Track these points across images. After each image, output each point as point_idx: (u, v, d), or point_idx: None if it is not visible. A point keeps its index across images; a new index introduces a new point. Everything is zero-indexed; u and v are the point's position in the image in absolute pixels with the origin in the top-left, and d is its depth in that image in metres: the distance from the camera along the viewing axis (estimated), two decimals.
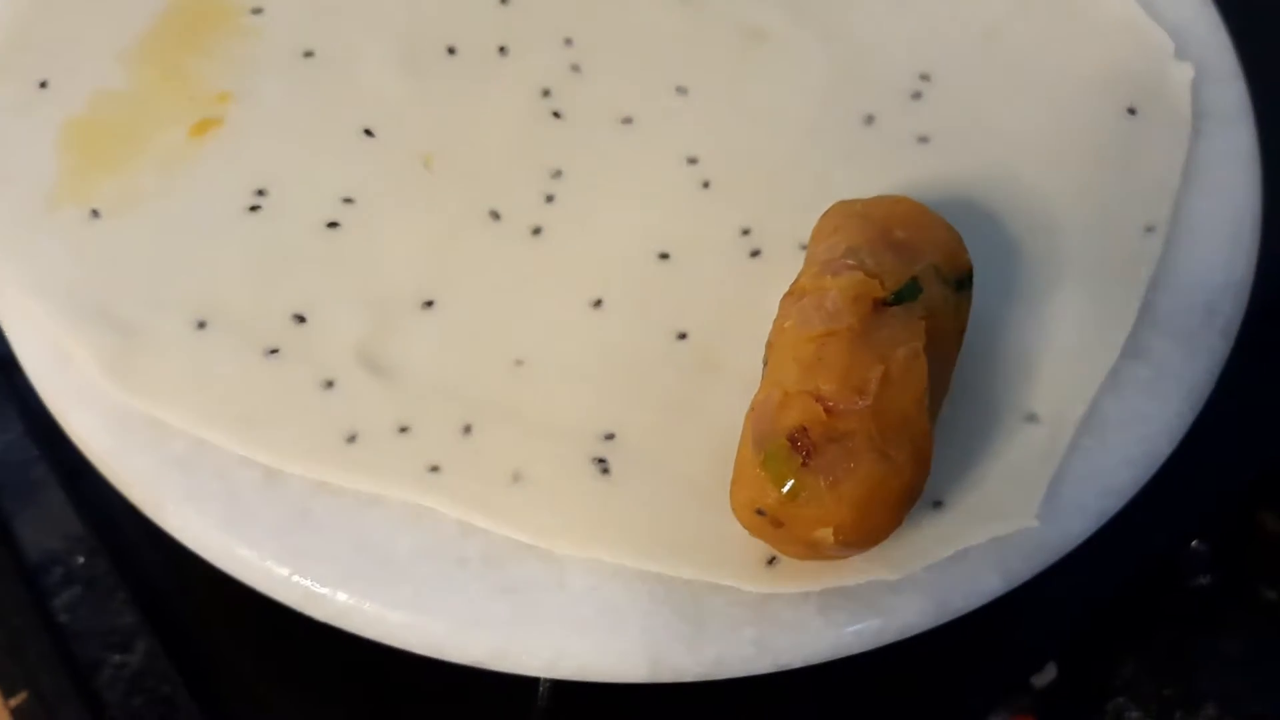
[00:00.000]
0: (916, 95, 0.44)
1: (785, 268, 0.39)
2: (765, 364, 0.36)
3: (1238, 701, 0.47)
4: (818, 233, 0.38)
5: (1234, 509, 0.51)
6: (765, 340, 0.37)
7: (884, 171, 0.42)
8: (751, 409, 0.35)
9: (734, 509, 0.35)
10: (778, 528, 0.34)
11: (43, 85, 0.43)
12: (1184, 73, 0.44)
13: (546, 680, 0.41)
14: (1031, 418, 0.38)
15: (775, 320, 0.36)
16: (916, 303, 0.35)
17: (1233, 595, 0.50)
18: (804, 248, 0.40)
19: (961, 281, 0.36)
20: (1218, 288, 0.41)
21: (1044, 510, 0.37)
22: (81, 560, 0.48)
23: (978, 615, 0.37)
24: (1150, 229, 0.41)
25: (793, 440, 0.33)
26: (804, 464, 0.33)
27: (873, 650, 0.36)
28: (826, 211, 0.38)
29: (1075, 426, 0.38)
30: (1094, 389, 0.38)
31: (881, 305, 0.35)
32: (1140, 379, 0.39)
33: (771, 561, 0.36)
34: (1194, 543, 0.50)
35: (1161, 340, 0.40)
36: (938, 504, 0.36)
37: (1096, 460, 0.38)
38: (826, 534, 0.33)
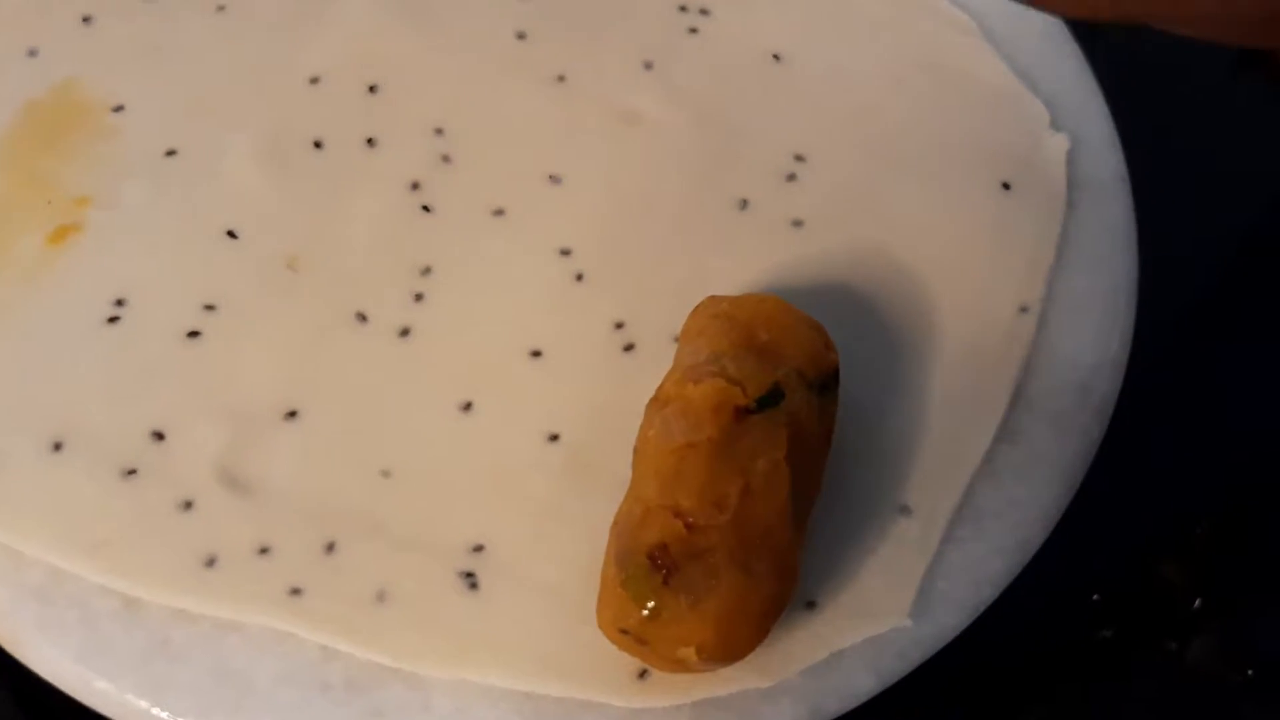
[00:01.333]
0: (791, 177, 0.43)
1: (658, 362, 0.39)
2: (633, 470, 0.36)
3: None
4: (686, 332, 0.37)
5: (1133, 562, 0.51)
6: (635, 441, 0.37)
7: (758, 258, 0.42)
8: (614, 522, 0.34)
9: (600, 625, 0.34)
10: (642, 645, 0.33)
11: None
12: (1059, 145, 0.44)
13: None
14: (904, 510, 0.38)
15: (641, 426, 0.36)
16: (779, 409, 0.34)
17: (1135, 646, 0.50)
18: (677, 340, 0.39)
19: (826, 384, 0.36)
20: (1091, 366, 0.41)
21: (918, 606, 0.36)
22: None
23: None
24: (1024, 309, 0.41)
25: (653, 559, 0.33)
26: (664, 583, 0.32)
27: None
28: (695, 308, 0.38)
29: (948, 518, 0.38)
30: (966, 478, 0.38)
31: (744, 413, 0.34)
32: (1013, 464, 0.39)
33: (643, 674, 0.35)
34: (1094, 597, 0.50)
35: (1035, 423, 0.40)
36: (810, 604, 0.36)
37: (970, 550, 0.38)
38: (690, 652, 0.32)
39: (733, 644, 0.33)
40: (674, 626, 0.32)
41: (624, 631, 0.33)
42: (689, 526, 0.33)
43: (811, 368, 0.36)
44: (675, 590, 0.32)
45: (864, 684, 0.36)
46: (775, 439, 0.34)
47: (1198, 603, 0.47)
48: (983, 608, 0.38)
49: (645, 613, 0.32)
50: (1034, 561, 0.39)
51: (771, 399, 0.35)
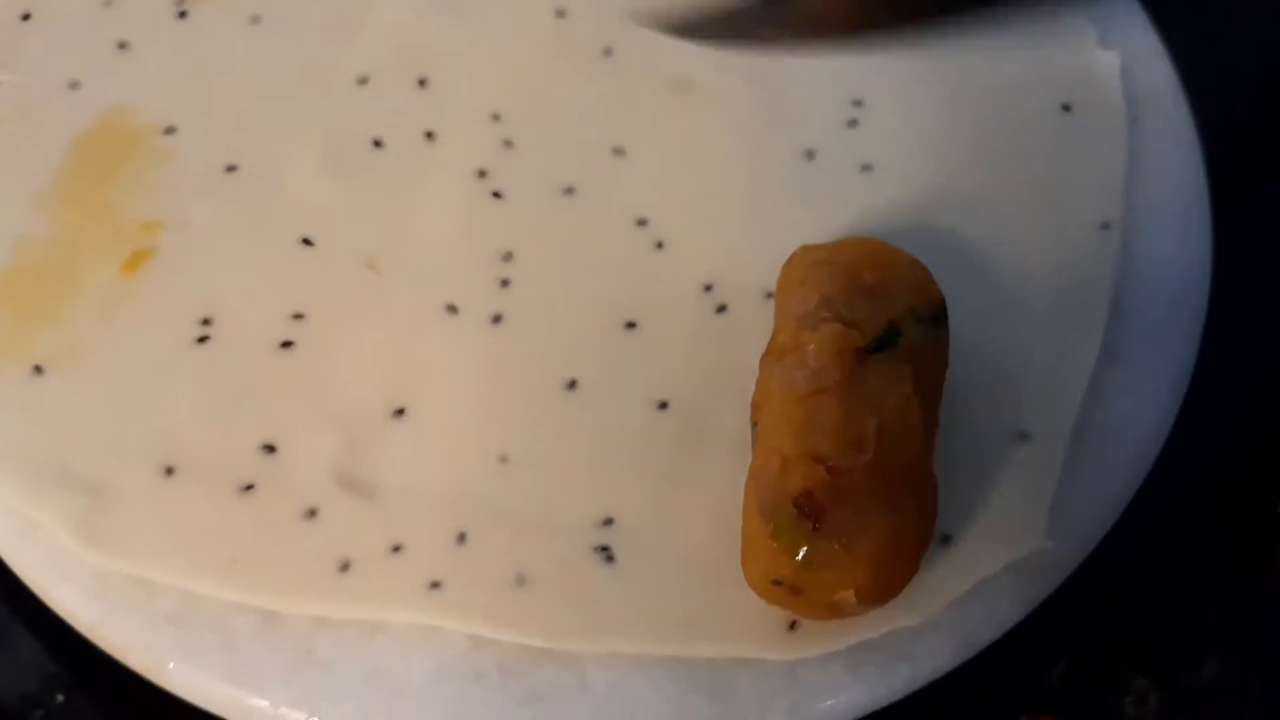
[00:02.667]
0: (853, 123, 0.43)
1: (753, 319, 0.39)
2: (754, 425, 0.36)
3: (1236, 656, 0.48)
4: (784, 284, 0.37)
5: (1209, 472, 0.51)
6: (747, 399, 0.36)
7: (834, 205, 0.42)
8: (750, 477, 0.34)
9: (749, 581, 0.34)
10: (796, 595, 0.33)
11: None
12: (1111, 61, 0.45)
13: None
14: (1023, 436, 0.38)
15: (758, 381, 0.36)
16: (898, 348, 0.34)
17: (1220, 560, 0.50)
18: (769, 296, 0.39)
19: (937, 317, 0.36)
20: (1179, 275, 0.41)
21: (1050, 528, 0.36)
22: (61, 699, 0.46)
23: None
24: (1105, 225, 0.41)
25: (799, 507, 0.32)
26: (815, 529, 0.32)
27: None
28: (789, 260, 0.38)
29: (1067, 439, 0.38)
30: (1079, 398, 0.38)
31: (864, 354, 0.34)
32: (1120, 380, 0.39)
33: (793, 626, 0.35)
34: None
35: (1133, 338, 0.40)
36: (947, 539, 0.36)
37: (1092, 469, 0.38)
38: (848, 595, 0.32)
39: (888, 582, 0.33)
40: (829, 571, 0.32)
41: (777, 583, 0.33)
42: (831, 471, 0.33)
43: (922, 303, 0.36)
44: (827, 535, 0.32)
45: (1010, 610, 0.36)
46: (900, 375, 0.34)
47: None
48: (1112, 522, 0.38)
49: (799, 560, 0.32)
50: None
51: (890, 338, 0.35)
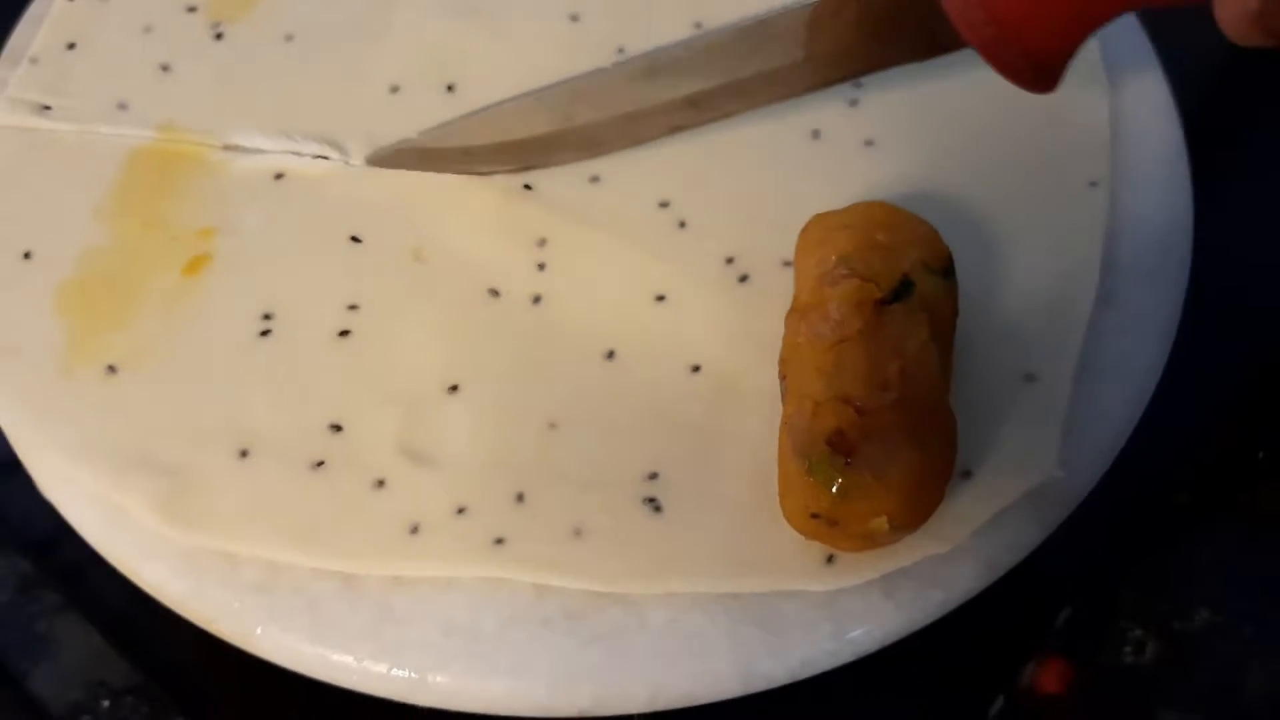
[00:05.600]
0: (854, 103, 0.47)
1: (774, 286, 0.42)
2: (782, 380, 0.39)
3: (1227, 602, 0.50)
4: (803, 248, 0.40)
5: (1195, 424, 0.53)
6: (773, 357, 0.39)
7: (841, 179, 0.45)
8: (784, 424, 0.37)
9: (788, 517, 0.37)
10: (833, 526, 0.36)
11: (27, 256, 0.44)
12: None
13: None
14: (1030, 377, 0.41)
15: (785, 338, 0.39)
16: (913, 298, 0.37)
17: (1212, 507, 0.52)
18: (787, 264, 0.42)
19: (947, 270, 0.39)
20: (1166, 225, 0.44)
21: (1061, 458, 0.39)
22: (107, 704, 0.48)
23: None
24: (1094, 183, 0.45)
25: (832, 444, 0.35)
26: (847, 464, 0.35)
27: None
28: (805, 227, 0.41)
29: (1071, 378, 0.41)
30: (1079, 341, 0.41)
31: (882, 305, 0.37)
32: (1116, 324, 0.42)
33: (830, 559, 0.38)
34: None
35: (1127, 285, 0.43)
36: (967, 473, 0.39)
37: (1097, 404, 0.41)
38: (881, 522, 0.35)
39: (917, 509, 0.36)
40: (863, 502, 0.35)
41: (815, 516, 0.36)
42: (859, 410, 0.36)
43: (932, 256, 0.39)
44: (859, 468, 0.35)
45: (1030, 535, 0.39)
46: (917, 322, 0.37)
47: (1262, 454, 0.50)
48: (1116, 452, 0.41)
49: (834, 492, 0.35)
50: None
51: (904, 289, 0.38)
